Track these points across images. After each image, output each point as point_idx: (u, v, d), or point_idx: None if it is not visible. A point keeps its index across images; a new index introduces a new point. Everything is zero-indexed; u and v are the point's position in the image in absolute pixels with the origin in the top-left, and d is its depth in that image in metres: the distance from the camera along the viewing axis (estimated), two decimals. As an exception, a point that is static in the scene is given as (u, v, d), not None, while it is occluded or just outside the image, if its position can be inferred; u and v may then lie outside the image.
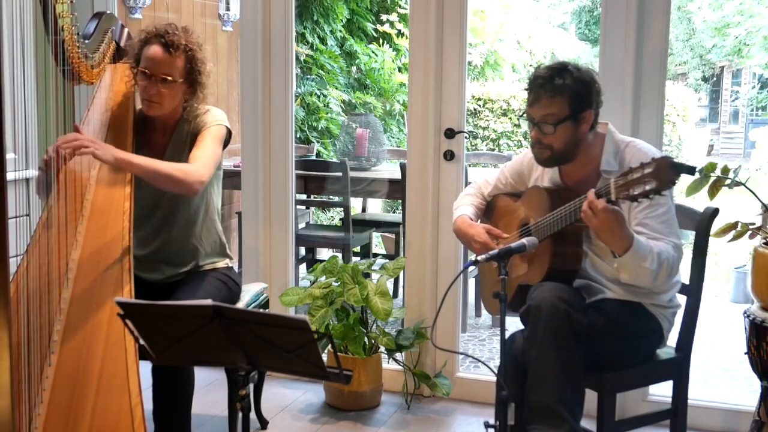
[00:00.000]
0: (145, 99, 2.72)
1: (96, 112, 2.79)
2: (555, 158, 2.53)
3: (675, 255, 2.41)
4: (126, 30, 2.91)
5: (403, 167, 4.08)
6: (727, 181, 2.82)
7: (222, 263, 2.93)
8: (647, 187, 2.11)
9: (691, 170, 2.16)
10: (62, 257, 2.43)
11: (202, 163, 2.63)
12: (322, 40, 7.15)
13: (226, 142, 2.83)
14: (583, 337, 2.38)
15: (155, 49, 2.67)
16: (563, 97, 2.45)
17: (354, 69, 7.74)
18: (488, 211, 2.87)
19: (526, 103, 2.55)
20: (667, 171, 2.09)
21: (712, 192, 2.85)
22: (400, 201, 5.75)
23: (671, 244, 2.41)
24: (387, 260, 4.47)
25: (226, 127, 2.80)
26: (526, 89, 2.56)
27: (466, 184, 3.56)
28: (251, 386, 3.18)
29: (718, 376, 4.11)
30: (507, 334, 2.32)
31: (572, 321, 2.37)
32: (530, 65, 10.77)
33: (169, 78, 2.68)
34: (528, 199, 2.66)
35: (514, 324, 2.86)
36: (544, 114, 2.47)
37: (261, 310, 3.06)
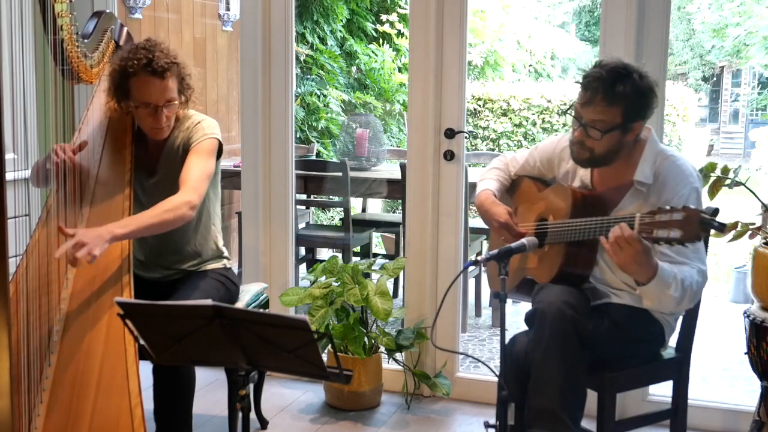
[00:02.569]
0: (154, 128, 2.67)
1: (95, 113, 2.79)
2: (593, 161, 2.46)
3: (699, 281, 2.35)
4: (125, 29, 2.90)
5: (403, 167, 4.08)
6: (727, 181, 2.82)
7: (220, 264, 2.93)
8: (671, 234, 2.05)
9: (721, 228, 2.08)
10: (62, 257, 2.43)
11: (192, 186, 2.59)
12: (322, 40, 7.15)
13: (220, 153, 2.79)
14: (587, 341, 2.37)
15: (149, 80, 2.58)
16: (619, 106, 2.35)
17: (354, 69, 7.74)
18: (510, 189, 2.81)
19: (577, 98, 2.43)
20: (695, 225, 2.03)
21: (712, 192, 2.85)
22: (400, 201, 5.76)
23: (696, 268, 2.34)
24: (387, 260, 4.47)
25: (218, 139, 2.76)
26: (579, 83, 2.44)
27: (466, 184, 3.57)
28: (251, 386, 3.18)
29: (718, 376, 4.11)
30: (507, 335, 2.31)
31: (577, 326, 2.35)
32: (530, 65, 10.77)
33: (174, 102, 2.66)
34: (552, 195, 2.60)
35: (514, 324, 2.86)
36: (595, 119, 2.37)
37: (261, 310, 3.05)
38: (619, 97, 2.35)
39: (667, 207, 2.10)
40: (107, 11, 2.85)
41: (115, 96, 2.67)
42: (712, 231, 2.12)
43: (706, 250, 2.59)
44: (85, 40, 2.65)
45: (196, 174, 2.63)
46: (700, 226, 2.03)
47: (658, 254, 2.32)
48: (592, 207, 2.42)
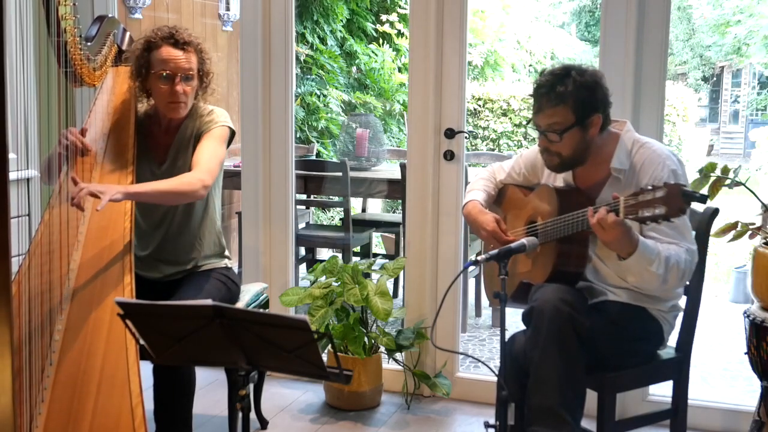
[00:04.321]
0: (171, 102, 2.71)
1: (98, 115, 2.79)
2: (564, 164, 2.51)
3: (687, 259, 2.38)
4: (128, 34, 2.91)
5: (403, 167, 4.09)
6: (727, 181, 2.82)
7: (221, 263, 2.93)
8: (656, 212, 2.10)
9: (702, 199, 2.13)
10: (64, 257, 2.44)
11: (206, 167, 2.65)
12: (322, 40, 7.15)
13: (230, 141, 2.85)
14: (585, 339, 2.38)
15: (170, 51, 2.68)
16: (566, 105, 2.42)
17: (354, 69, 7.75)
18: (497, 198, 2.85)
19: (532, 110, 2.52)
20: (678, 199, 2.08)
21: (712, 192, 2.86)
22: (400, 201, 5.76)
23: (684, 248, 2.38)
24: (387, 260, 4.48)
25: (229, 127, 2.82)
26: (531, 95, 2.53)
27: (466, 184, 3.56)
28: (251, 386, 3.18)
29: (718, 376, 4.11)
30: (507, 335, 2.32)
31: (575, 323, 2.36)
32: (530, 65, 10.77)
33: (191, 74, 2.71)
34: (538, 197, 2.64)
35: (514, 324, 2.87)
36: (549, 123, 2.45)
37: (261, 310, 3.06)
38: (562, 97, 2.42)
39: (649, 186, 2.15)
40: (110, 15, 2.86)
41: (137, 75, 2.72)
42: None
43: (706, 249, 2.60)
44: (89, 43, 2.66)
45: (210, 156, 2.69)
46: (682, 199, 2.08)
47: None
48: (577, 202, 2.45)
